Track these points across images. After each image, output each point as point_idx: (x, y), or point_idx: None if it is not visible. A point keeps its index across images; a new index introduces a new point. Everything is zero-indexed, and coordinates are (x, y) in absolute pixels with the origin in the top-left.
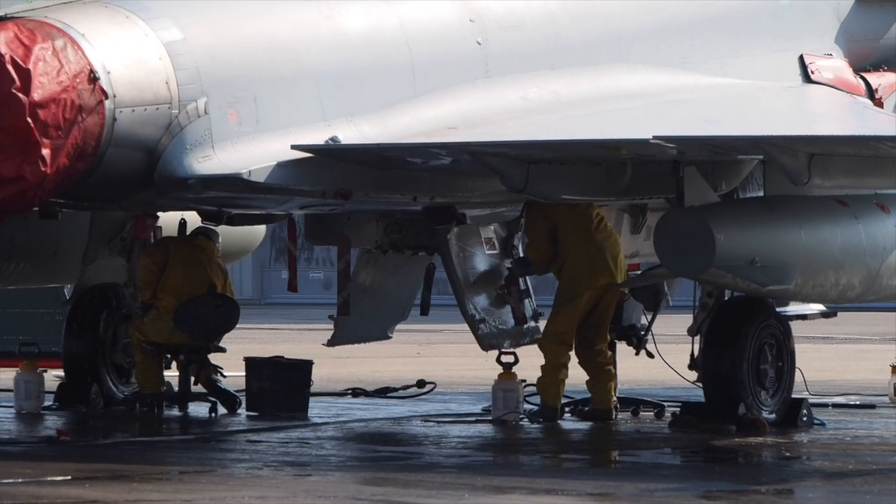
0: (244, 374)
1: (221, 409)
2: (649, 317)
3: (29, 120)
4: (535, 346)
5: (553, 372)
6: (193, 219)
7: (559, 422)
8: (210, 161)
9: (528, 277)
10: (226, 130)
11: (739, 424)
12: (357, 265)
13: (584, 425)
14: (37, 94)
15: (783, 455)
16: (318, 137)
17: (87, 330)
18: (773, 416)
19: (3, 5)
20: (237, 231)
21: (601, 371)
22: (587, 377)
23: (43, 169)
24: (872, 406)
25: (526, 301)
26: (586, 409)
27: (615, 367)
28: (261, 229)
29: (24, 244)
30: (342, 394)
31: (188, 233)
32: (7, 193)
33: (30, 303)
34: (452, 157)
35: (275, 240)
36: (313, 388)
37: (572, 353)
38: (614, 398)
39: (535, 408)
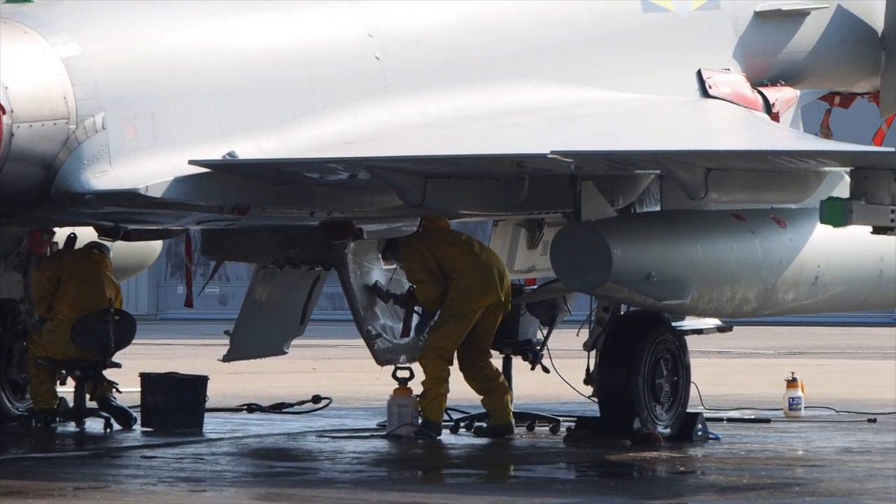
0: (139, 389)
1: (116, 425)
2: (545, 332)
3: None
4: None
5: (434, 386)
6: (89, 234)
7: (454, 436)
8: (107, 176)
9: None
10: (123, 145)
11: (634, 439)
12: (253, 281)
13: (480, 441)
14: None
15: (678, 469)
16: (216, 152)
17: None
18: (668, 430)
19: None
20: (133, 246)
21: (495, 385)
22: (480, 395)
23: None
24: (767, 420)
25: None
26: (484, 426)
27: (509, 381)
28: (157, 244)
29: None
30: (237, 409)
31: (82, 247)
32: None
33: None
34: (350, 172)
35: (171, 255)
36: (208, 404)
37: (453, 369)
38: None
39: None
